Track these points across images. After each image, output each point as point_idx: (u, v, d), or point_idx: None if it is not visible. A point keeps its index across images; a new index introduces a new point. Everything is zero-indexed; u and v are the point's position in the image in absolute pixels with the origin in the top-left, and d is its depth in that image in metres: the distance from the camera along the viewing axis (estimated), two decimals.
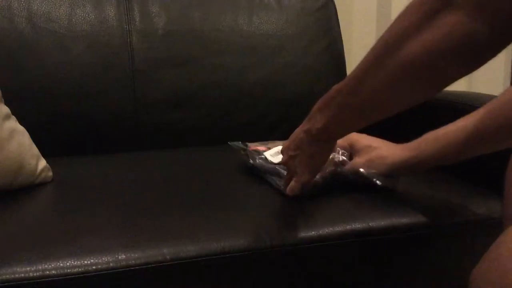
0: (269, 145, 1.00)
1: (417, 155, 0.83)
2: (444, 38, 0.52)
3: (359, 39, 1.65)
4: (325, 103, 0.71)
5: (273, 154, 0.95)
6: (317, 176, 0.84)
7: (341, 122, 0.71)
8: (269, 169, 0.91)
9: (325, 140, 0.75)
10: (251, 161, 0.96)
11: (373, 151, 0.87)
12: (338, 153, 0.89)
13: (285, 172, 0.86)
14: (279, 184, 0.87)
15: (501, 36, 0.51)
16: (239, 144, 1.03)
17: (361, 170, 0.86)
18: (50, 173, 0.94)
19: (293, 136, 0.79)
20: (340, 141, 0.90)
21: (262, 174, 0.93)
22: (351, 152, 0.91)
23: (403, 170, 0.85)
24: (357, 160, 0.88)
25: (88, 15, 1.20)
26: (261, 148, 0.99)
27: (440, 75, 0.56)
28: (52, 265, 0.63)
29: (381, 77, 0.60)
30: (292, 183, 0.80)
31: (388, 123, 1.17)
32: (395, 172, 0.86)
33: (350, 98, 0.66)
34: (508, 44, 0.52)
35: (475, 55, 0.53)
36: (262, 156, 0.95)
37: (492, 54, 0.53)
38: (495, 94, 0.90)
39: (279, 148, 0.92)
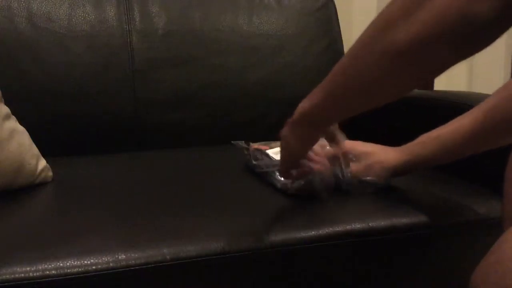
0: (271, 145, 1.00)
1: (413, 158, 0.84)
2: (435, 21, 0.48)
3: None
4: (313, 93, 0.68)
5: (276, 152, 0.95)
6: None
7: (327, 110, 0.67)
8: (272, 166, 0.91)
9: (305, 125, 0.72)
10: (253, 161, 0.96)
11: (370, 157, 0.87)
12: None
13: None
14: (282, 182, 0.87)
15: (503, 16, 0.46)
16: (242, 143, 1.03)
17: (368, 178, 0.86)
18: (50, 173, 0.94)
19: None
20: (333, 151, 0.90)
21: (264, 173, 0.93)
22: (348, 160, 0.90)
23: (401, 173, 0.86)
24: (354, 167, 0.87)
25: (88, 15, 1.20)
26: (263, 147, 0.99)
27: (431, 62, 0.52)
28: (52, 265, 0.63)
29: (368, 66, 0.56)
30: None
31: (388, 123, 1.17)
32: (393, 175, 0.86)
33: (338, 86, 0.63)
34: (510, 25, 0.47)
35: (471, 40, 0.48)
36: (265, 154, 0.95)
37: (491, 38, 0.48)
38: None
39: None
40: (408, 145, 0.85)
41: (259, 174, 0.94)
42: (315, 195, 0.82)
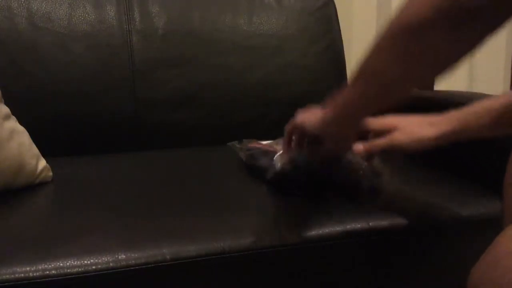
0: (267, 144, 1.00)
1: (463, 128, 0.75)
2: (430, 4, 0.47)
3: (359, 39, 1.65)
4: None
5: (268, 142, 0.98)
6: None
7: (353, 97, 0.65)
8: (262, 153, 0.93)
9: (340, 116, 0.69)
10: (247, 151, 0.97)
11: (395, 130, 0.78)
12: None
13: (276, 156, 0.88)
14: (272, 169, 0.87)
15: (498, 2, 0.44)
16: (236, 143, 1.03)
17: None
18: (50, 173, 0.94)
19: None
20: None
21: (256, 161, 0.94)
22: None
23: (443, 143, 0.77)
24: (398, 135, 0.78)
25: (88, 15, 1.20)
26: (259, 145, 1.00)
27: (430, 51, 0.50)
28: (52, 265, 0.63)
29: (381, 48, 0.57)
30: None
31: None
32: (433, 145, 0.77)
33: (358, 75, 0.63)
34: (509, 16, 0.45)
35: (466, 27, 0.46)
36: (258, 145, 0.97)
37: (488, 28, 0.46)
38: (496, 94, 0.90)
39: (275, 140, 0.97)
40: (455, 113, 0.77)
41: (251, 163, 0.96)
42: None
